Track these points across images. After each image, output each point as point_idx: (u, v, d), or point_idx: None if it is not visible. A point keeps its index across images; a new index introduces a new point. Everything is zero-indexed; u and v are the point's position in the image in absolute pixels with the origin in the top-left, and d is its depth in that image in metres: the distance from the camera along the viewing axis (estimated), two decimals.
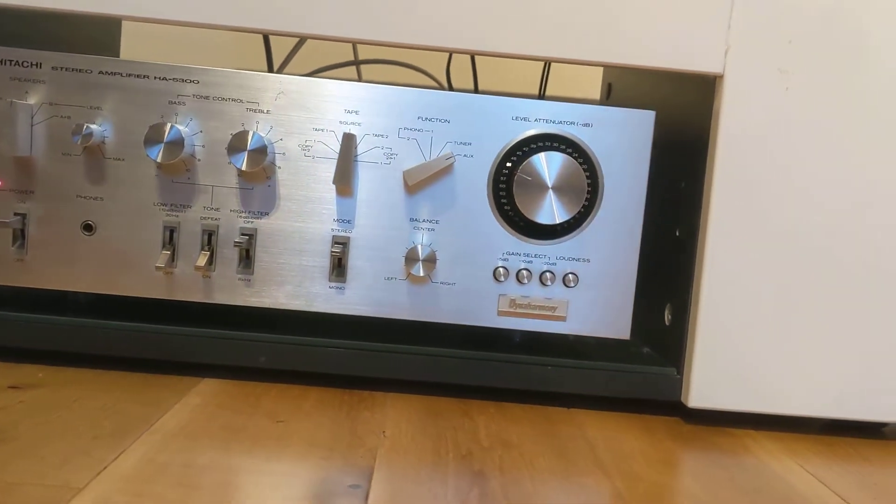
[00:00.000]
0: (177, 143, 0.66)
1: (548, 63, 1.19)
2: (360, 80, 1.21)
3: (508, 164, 0.69)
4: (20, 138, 0.66)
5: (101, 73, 0.67)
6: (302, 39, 1.13)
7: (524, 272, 0.69)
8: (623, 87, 1.02)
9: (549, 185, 0.67)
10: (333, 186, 0.68)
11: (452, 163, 0.68)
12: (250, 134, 0.66)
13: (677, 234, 0.74)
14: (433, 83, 1.20)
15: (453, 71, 1.20)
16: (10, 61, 0.67)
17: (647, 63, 0.67)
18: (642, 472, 0.58)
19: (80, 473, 0.48)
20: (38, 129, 0.67)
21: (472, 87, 1.20)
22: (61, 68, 0.67)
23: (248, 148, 0.66)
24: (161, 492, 0.47)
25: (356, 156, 0.68)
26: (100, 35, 1.03)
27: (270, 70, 1.12)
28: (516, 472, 0.55)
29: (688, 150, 0.73)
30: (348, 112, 0.68)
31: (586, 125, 0.69)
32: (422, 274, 0.67)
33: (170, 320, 0.70)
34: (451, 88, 1.21)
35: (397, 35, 0.67)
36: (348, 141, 0.66)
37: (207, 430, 0.58)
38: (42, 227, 0.68)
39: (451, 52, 1.18)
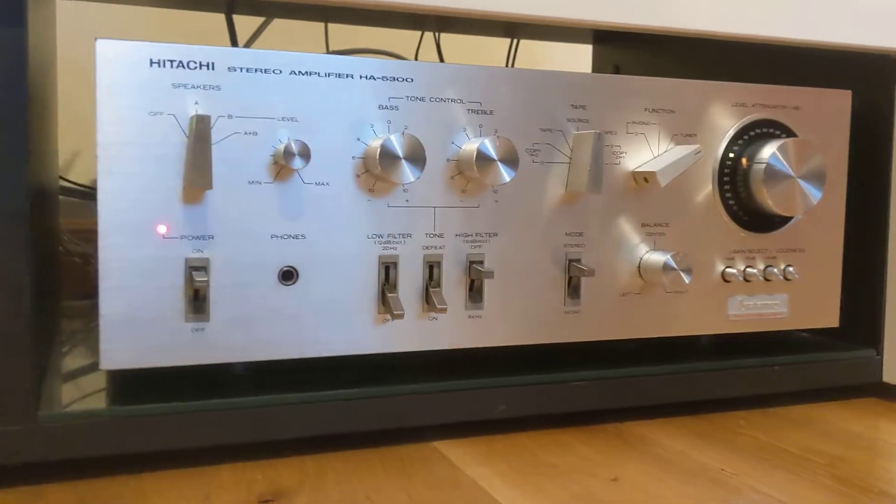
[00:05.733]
0: (418, 155, 0.52)
1: (516, 42, 1.12)
2: None
3: (731, 155, 0.63)
4: (197, 166, 0.49)
5: (293, 73, 0.52)
6: (267, 20, 0.97)
7: (750, 270, 0.64)
8: (634, 67, 0.99)
9: (795, 173, 0.62)
10: (560, 195, 0.59)
11: (701, 157, 0.61)
12: (494, 141, 0.54)
13: None
14: None
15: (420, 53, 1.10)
16: (172, 62, 0.49)
17: (841, 41, 0.65)
18: None
19: None
20: (215, 152, 0.50)
21: None
22: (241, 69, 0.50)
23: (500, 158, 0.54)
24: None
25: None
26: None
27: None
28: None
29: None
30: (575, 107, 0.59)
31: (796, 108, 0.65)
32: (686, 282, 0.60)
33: (365, 383, 0.56)
34: None
35: None
36: (600, 141, 0.57)
37: None
38: (227, 281, 0.51)
39: (426, 13, 1.08)
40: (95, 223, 0.49)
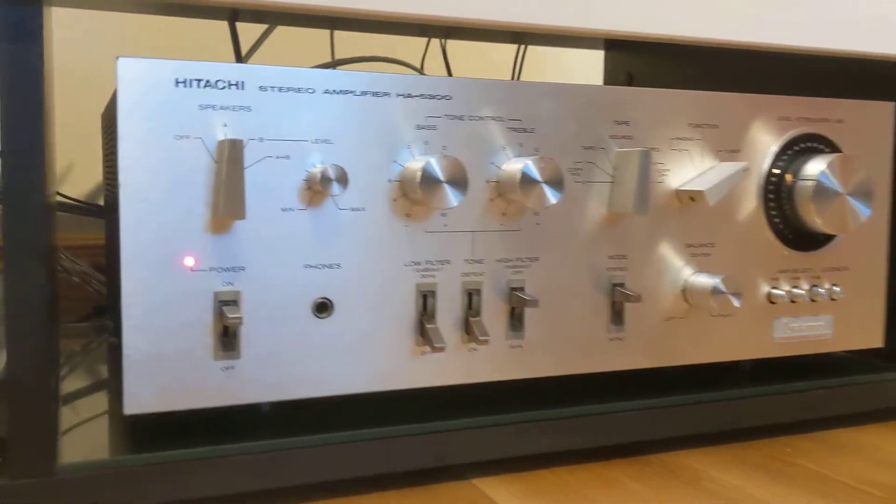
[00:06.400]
0: (460, 177, 0.49)
1: (523, 48, 1.09)
2: None
3: (776, 171, 0.60)
4: (230, 195, 0.45)
5: (326, 91, 0.48)
6: (270, 28, 0.93)
7: (796, 290, 0.61)
8: (647, 76, 0.96)
9: (844, 190, 0.59)
10: (602, 216, 0.56)
11: (748, 173, 0.58)
12: (538, 162, 0.51)
13: None
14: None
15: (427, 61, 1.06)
16: (199, 81, 0.45)
17: (867, 50, 0.62)
18: None
19: None
20: (246, 178, 0.47)
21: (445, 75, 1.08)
22: (273, 88, 0.47)
23: (545, 180, 0.51)
24: None
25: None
26: None
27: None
28: None
29: None
30: (618, 123, 0.56)
31: (839, 121, 0.63)
32: (736, 306, 0.57)
33: (401, 420, 0.53)
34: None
35: (373, 3, 0.49)
36: (647, 159, 0.54)
37: None
38: (258, 315, 0.48)
39: (435, 24, 1.05)
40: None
